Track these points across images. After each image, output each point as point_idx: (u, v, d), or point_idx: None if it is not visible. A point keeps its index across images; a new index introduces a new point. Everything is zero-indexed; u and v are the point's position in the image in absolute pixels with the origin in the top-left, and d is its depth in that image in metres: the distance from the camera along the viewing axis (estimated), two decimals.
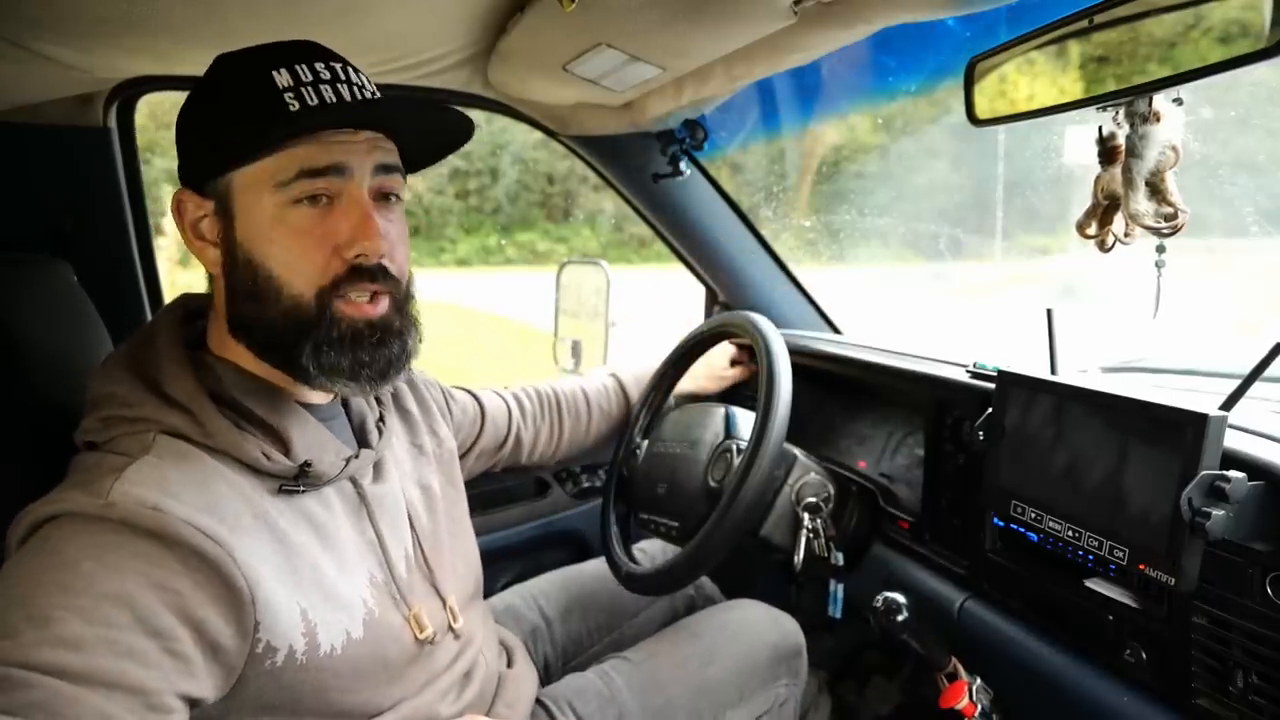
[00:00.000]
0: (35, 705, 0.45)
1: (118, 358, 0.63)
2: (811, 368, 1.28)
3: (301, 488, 0.64)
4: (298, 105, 0.59)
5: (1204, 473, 0.65)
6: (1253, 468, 0.66)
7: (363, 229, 0.61)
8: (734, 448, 1.05)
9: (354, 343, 0.63)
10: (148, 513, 0.52)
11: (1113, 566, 0.75)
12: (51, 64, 0.88)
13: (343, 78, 0.62)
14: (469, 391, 1.05)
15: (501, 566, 1.40)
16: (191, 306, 0.69)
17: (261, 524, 0.60)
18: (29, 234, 1.05)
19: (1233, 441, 0.69)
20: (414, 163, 0.72)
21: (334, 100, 0.61)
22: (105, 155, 1.09)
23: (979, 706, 0.90)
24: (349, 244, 0.62)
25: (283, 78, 0.60)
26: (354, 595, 0.65)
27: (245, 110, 0.60)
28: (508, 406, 1.09)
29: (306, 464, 0.64)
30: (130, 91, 1.08)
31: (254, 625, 0.56)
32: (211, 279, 0.67)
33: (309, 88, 0.60)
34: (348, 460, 0.69)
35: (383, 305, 0.65)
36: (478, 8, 0.90)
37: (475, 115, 0.72)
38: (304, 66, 0.61)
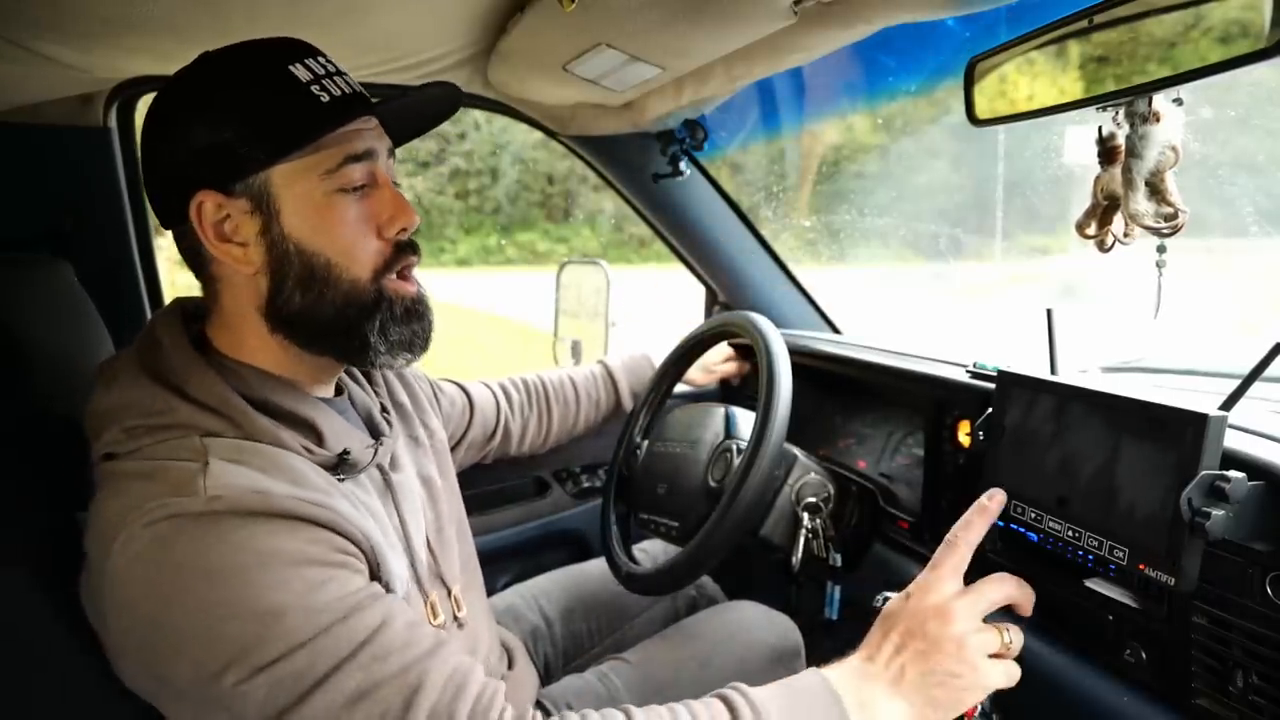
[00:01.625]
0: (329, 657, 0.51)
1: (128, 366, 0.62)
2: (811, 368, 1.28)
3: (341, 476, 0.65)
4: (327, 97, 0.61)
5: (1204, 473, 0.65)
6: (1253, 468, 0.66)
7: (401, 208, 0.66)
8: (734, 448, 1.05)
9: (408, 318, 0.68)
10: (254, 496, 0.53)
11: (1113, 566, 0.75)
12: (51, 64, 0.88)
13: (338, 70, 0.65)
14: (457, 384, 1.06)
15: (501, 566, 1.40)
16: (187, 310, 0.68)
17: (336, 490, 0.62)
18: (29, 234, 1.05)
19: (1233, 441, 0.69)
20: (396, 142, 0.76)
21: (348, 91, 0.63)
22: (105, 155, 1.09)
23: (979, 706, 0.90)
24: (390, 223, 0.65)
25: (301, 72, 0.61)
26: (400, 572, 0.66)
27: (283, 105, 0.60)
28: (495, 397, 1.11)
29: (345, 452, 0.65)
30: (130, 91, 1.08)
31: (376, 564, 0.60)
32: (216, 284, 0.65)
33: (326, 80, 0.62)
34: (374, 448, 0.70)
35: (416, 282, 0.69)
36: (478, 8, 0.90)
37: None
38: (311, 60, 0.62)
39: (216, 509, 0.52)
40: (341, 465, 0.65)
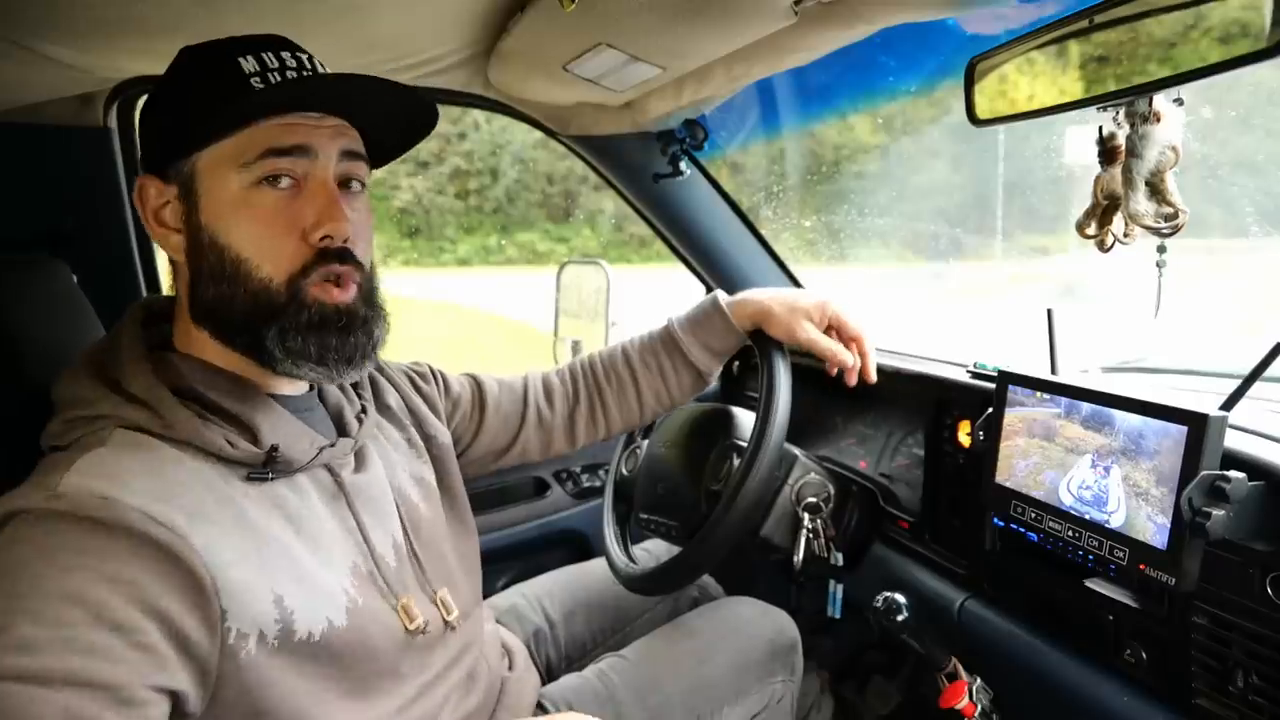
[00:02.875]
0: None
1: (80, 361, 0.63)
2: (812, 368, 1.28)
3: (270, 475, 0.62)
4: (262, 87, 0.59)
5: (1204, 473, 0.66)
6: (1253, 468, 0.66)
7: (328, 211, 0.62)
8: (734, 448, 1.05)
9: (321, 328, 0.63)
10: (95, 501, 0.51)
11: (1113, 566, 0.75)
12: (51, 64, 0.88)
13: (310, 67, 0.62)
14: (475, 381, 0.97)
15: (502, 566, 1.40)
16: (155, 309, 0.68)
17: (226, 509, 0.58)
18: (28, 234, 1.04)
19: (1233, 441, 0.69)
20: (380, 155, 0.72)
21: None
22: (105, 155, 1.09)
23: (979, 706, 0.90)
24: (315, 226, 0.61)
25: (249, 63, 0.60)
26: (334, 583, 0.63)
27: (209, 91, 0.60)
28: (525, 391, 0.99)
29: (274, 449, 0.62)
30: (130, 91, 1.08)
31: (220, 614, 0.54)
32: (175, 269, 0.66)
33: (275, 73, 0.60)
34: (321, 449, 0.67)
35: (351, 291, 0.65)
36: (478, 8, 0.90)
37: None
38: (270, 54, 0.61)
39: (54, 507, 0.50)
40: (270, 462, 0.62)
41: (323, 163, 0.62)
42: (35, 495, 0.52)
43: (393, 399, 0.84)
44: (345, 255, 0.64)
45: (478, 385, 0.97)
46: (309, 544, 0.63)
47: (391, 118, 0.68)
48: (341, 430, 0.74)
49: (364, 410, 0.78)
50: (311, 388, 0.73)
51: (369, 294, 0.67)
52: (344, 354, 0.65)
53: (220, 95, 0.59)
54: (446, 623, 0.74)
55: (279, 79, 0.60)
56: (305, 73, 0.62)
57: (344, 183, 0.65)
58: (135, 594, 0.50)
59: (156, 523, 0.52)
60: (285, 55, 0.62)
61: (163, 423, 0.58)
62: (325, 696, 0.60)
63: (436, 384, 0.92)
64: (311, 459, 0.66)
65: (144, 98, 0.66)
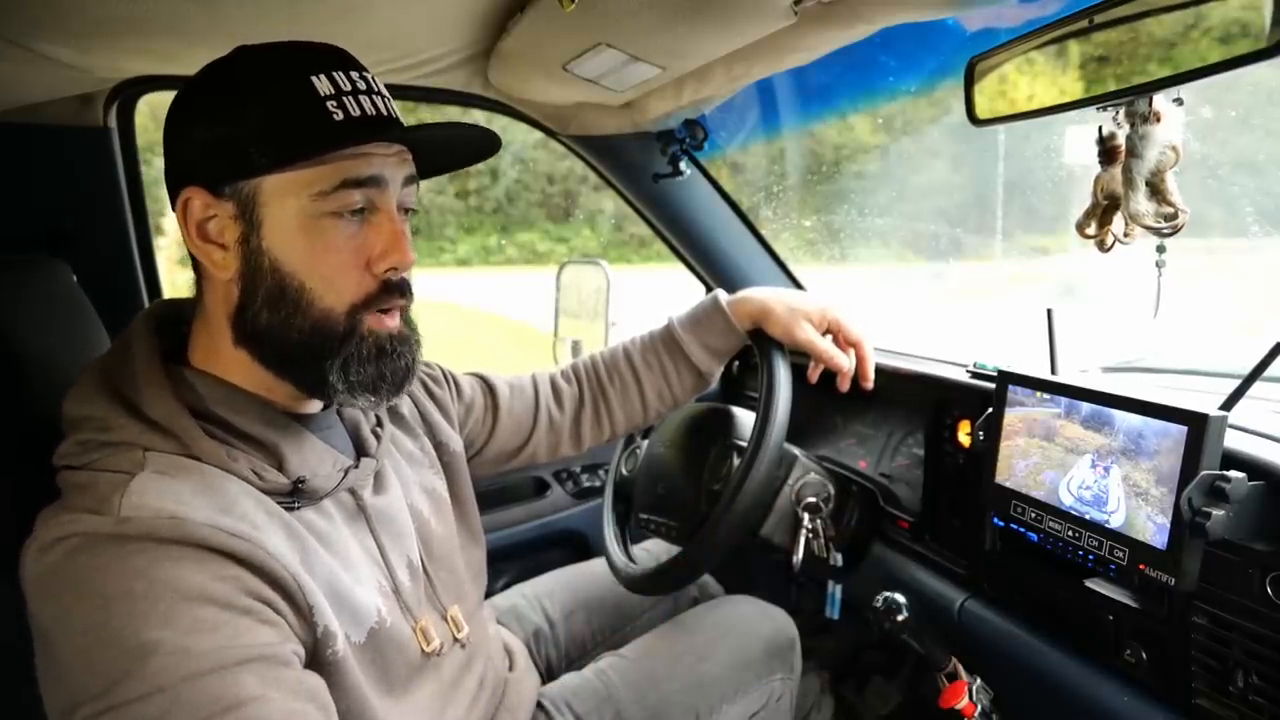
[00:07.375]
0: (186, 713, 0.46)
1: (91, 376, 0.60)
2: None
3: (296, 504, 0.62)
4: (342, 115, 0.58)
5: (1204, 473, 0.66)
6: (1253, 468, 0.66)
7: (397, 244, 0.62)
8: (734, 448, 1.05)
9: (379, 357, 0.63)
10: (166, 522, 0.50)
11: (1113, 566, 0.75)
12: (51, 64, 0.88)
13: (375, 89, 0.61)
14: (486, 383, 0.97)
15: (501, 566, 1.40)
16: (166, 313, 0.66)
17: (275, 522, 0.58)
18: (28, 234, 1.04)
19: (1233, 441, 0.70)
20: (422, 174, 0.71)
21: (373, 112, 0.60)
22: (105, 155, 1.09)
23: (979, 706, 0.90)
24: (381, 259, 0.61)
25: (323, 84, 0.58)
26: (369, 602, 0.63)
27: (289, 115, 0.57)
28: (535, 393, 1.00)
29: (300, 480, 0.61)
30: (130, 91, 1.08)
31: (309, 608, 0.56)
32: (202, 284, 0.63)
33: (349, 97, 0.59)
34: (346, 471, 0.67)
35: (397, 318, 0.65)
36: (478, 8, 0.90)
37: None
38: (341, 74, 0.59)
39: (125, 531, 0.50)
40: (297, 493, 0.61)
41: (390, 192, 0.62)
42: (98, 521, 0.50)
43: (405, 406, 0.83)
44: (405, 288, 0.64)
45: (489, 388, 0.97)
46: (342, 562, 0.63)
47: (453, 152, 0.69)
48: (358, 444, 0.73)
49: (379, 423, 0.77)
50: (329, 404, 0.71)
51: (407, 315, 0.67)
52: (396, 380, 0.65)
53: (301, 122, 0.57)
54: (457, 640, 0.75)
55: (354, 105, 0.59)
56: (374, 95, 0.61)
57: (402, 209, 0.64)
58: (242, 585, 0.52)
59: (228, 533, 0.52)
60: (353, 75, 0.60)
61: (188, 451, 0.57)
62: (346, 706, 0.60)
63: (449, 387, 0.91)
64: (336, 485, 0.65)
65: (161, 96, 0.62)
